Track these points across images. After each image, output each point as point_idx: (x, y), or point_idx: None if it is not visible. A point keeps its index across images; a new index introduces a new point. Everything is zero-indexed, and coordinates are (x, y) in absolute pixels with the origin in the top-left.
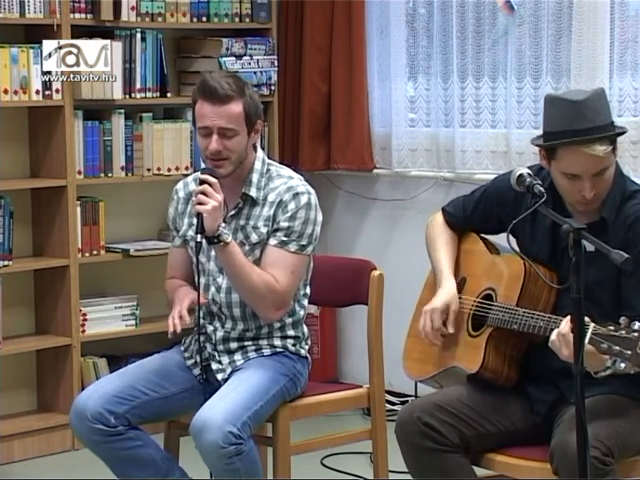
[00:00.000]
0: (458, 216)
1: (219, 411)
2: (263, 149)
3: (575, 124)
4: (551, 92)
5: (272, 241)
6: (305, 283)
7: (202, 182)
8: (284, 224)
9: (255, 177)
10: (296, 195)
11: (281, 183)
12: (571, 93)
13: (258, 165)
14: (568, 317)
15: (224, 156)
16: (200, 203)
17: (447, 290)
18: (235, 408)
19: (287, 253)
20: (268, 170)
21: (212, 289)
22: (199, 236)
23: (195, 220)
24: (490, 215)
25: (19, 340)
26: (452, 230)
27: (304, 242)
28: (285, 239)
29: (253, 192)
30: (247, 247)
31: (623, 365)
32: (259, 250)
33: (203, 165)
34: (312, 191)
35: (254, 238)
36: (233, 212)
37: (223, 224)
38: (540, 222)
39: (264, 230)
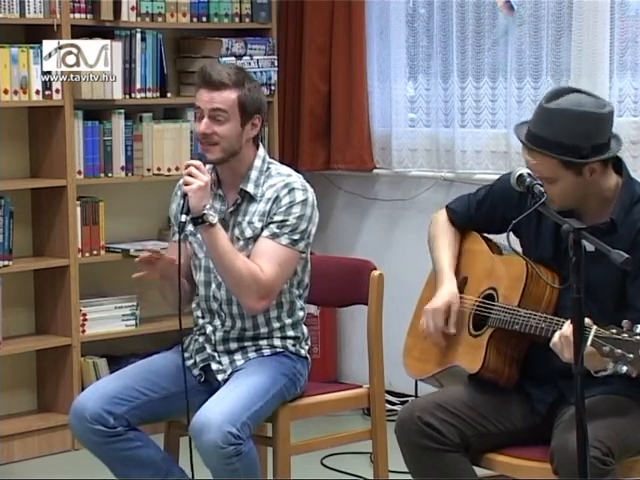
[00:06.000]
0: (462, 214)
1: (218, 411)
2: None
3: (534, 125)
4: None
5: (264, 232)
6: (301, 284)
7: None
8: (278, 217)
9: (254, 174)
10: (292, 190)
11: (279, 180)
12: (563, 101)
13: (258, 163)
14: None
15: (214, 141)
16: (187, 184)
17: (448, 290)
18: (234, 408)
19: (277, 245)
20: (268, 168)
21: (213, 285)
22: (184, 216)
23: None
24: (495, 214)
25: (19, 340)
26: (455, 228)
27: (296, 237)
28: (277, 231)
29: (251, 188)
30: (241, 242)
31: (625, 368)
32: (253, 245)
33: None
34: (310, 190)
35: (248, 233)
36: (232, 209)
37: (208, 205)
38: (544, 222)
39: (259, 225)
